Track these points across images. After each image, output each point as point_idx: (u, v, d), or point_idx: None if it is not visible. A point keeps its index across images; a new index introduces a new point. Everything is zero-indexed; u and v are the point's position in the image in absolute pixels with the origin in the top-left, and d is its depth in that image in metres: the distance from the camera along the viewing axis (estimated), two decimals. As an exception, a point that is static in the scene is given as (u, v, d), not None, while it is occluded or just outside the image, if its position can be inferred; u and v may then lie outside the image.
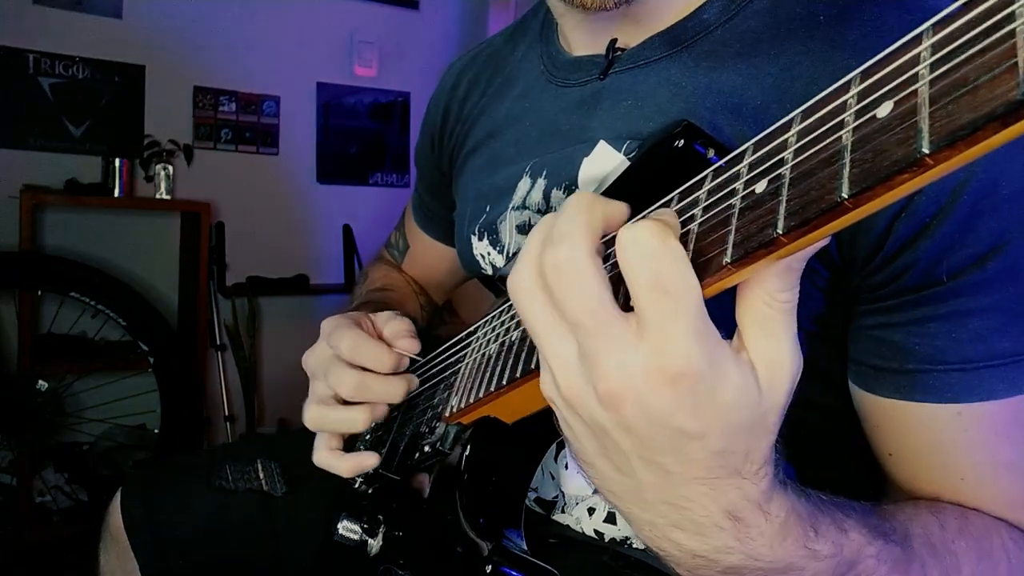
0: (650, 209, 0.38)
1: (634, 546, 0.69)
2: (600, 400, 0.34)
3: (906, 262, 0.49)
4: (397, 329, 0.68)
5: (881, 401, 0.54)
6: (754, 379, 0.33)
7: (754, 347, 0.34)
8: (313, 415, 0.66)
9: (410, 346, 0.66)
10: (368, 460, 0.65)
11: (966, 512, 0.51)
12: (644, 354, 0.32)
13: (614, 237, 0.33)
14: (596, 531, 0.70)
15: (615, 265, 0.34)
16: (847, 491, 0.44)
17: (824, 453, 0.60)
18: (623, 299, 0.34)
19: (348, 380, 0.63)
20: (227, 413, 2.70)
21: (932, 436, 0.52)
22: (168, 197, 2.53)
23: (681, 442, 0.33)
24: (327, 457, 0.67)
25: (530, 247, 0.37)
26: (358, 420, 0.64)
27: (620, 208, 0.37)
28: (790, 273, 0.32)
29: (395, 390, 0.64)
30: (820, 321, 0.56)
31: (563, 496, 0.72)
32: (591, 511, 0.70)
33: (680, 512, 0.37)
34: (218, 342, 2.67)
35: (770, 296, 0.33)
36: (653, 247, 0.31)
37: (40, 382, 2.29)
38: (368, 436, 0.75)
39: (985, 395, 0.50)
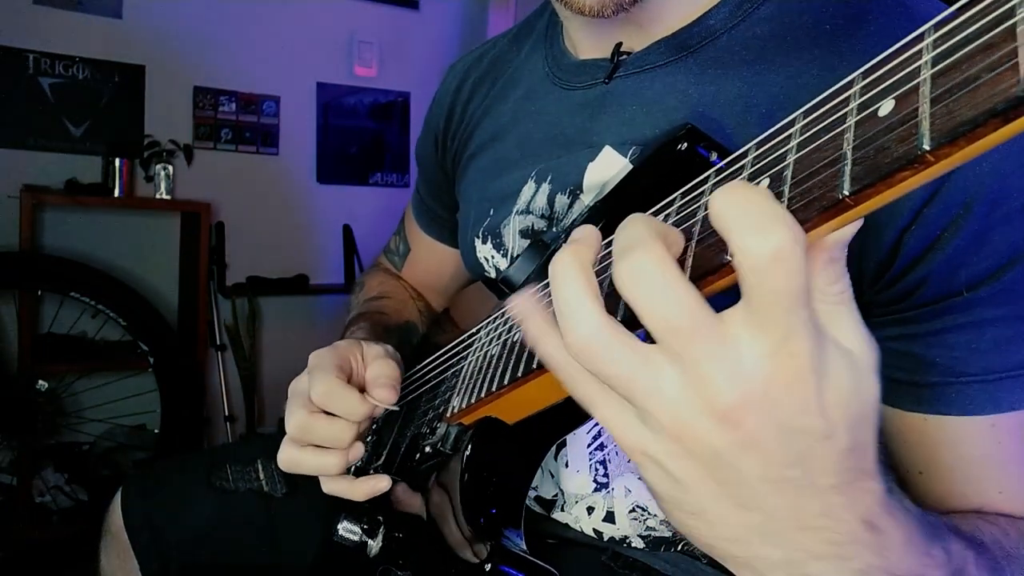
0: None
1: (632, 545, 0.69)
2: (719, 418, 0.30)
3: (919, 276, 0.49)
4: (378, 374, 0.65)
5: (907, 416, 0.54)
6: (861, 365, 0.31)
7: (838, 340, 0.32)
8: (286, 457, 0.64)
9: (386, 397, 0.63)
10: (381, 483, 0.63)
11: (1016, 520, 0.50)
12: (764, 355, 0.29)
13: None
14: (595, 530, 0.70)
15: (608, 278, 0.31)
16: None
17: None
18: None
19: (295, 420, 0.62)
20: (227, 413, 2.70)
21: (966, 450, 0.52)
22: (168, 197, 2.53)
23: (811, 446, 0.30)
24: (339, 484, 0.64)
25: (568, 292, 0.32)
26: (332, 465, 0.62)
27: (677, 234, 0.34)
28: (833, 264, 0.31)
29: (341, 436, 0.62)
30: None
31: (562, 495, 0.72)
32: (590, 510, 0.70)
33: (817, 535, 0.32)
34: (218, 342, 2.66)
35: (821, 293, 0.31)
36: (798, 262, 0.27)
37: (40, 382, 2.29)
38: (369, 439, 0.74)
39: (1008, 406, 0.50)
